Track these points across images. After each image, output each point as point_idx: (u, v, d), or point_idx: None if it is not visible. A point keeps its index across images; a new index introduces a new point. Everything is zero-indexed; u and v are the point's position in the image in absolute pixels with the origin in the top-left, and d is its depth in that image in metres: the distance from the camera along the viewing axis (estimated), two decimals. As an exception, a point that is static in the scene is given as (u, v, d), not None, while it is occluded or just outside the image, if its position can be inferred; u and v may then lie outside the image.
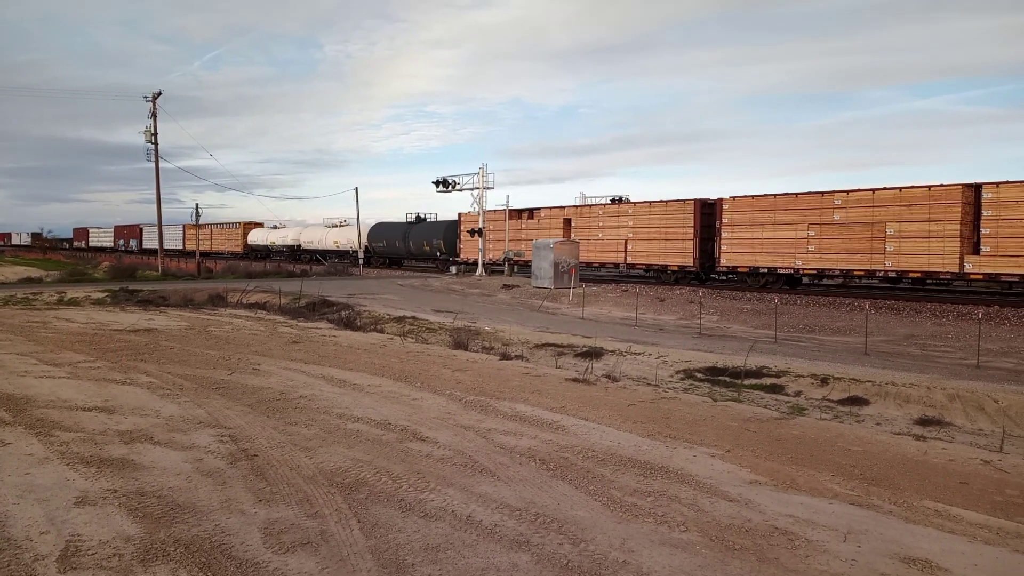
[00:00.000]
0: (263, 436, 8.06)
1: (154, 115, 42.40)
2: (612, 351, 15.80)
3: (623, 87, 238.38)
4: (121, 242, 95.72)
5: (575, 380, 11.83)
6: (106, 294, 26.80)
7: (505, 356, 14.55)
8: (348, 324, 19.74)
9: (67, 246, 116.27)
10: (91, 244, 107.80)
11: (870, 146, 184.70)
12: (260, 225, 73.29)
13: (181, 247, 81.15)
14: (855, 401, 11.54)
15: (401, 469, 6.93)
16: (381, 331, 18.96)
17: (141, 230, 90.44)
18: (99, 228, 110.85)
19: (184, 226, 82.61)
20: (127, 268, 43.83)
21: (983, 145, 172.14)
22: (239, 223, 74.63)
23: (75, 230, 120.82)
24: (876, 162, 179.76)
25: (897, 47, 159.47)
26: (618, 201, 42.37)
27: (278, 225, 69.57)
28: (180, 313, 21.86)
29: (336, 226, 62.57)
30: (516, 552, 5.09)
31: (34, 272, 46.08)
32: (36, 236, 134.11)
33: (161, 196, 44.02)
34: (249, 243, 71.29)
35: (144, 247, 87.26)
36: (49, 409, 9.17)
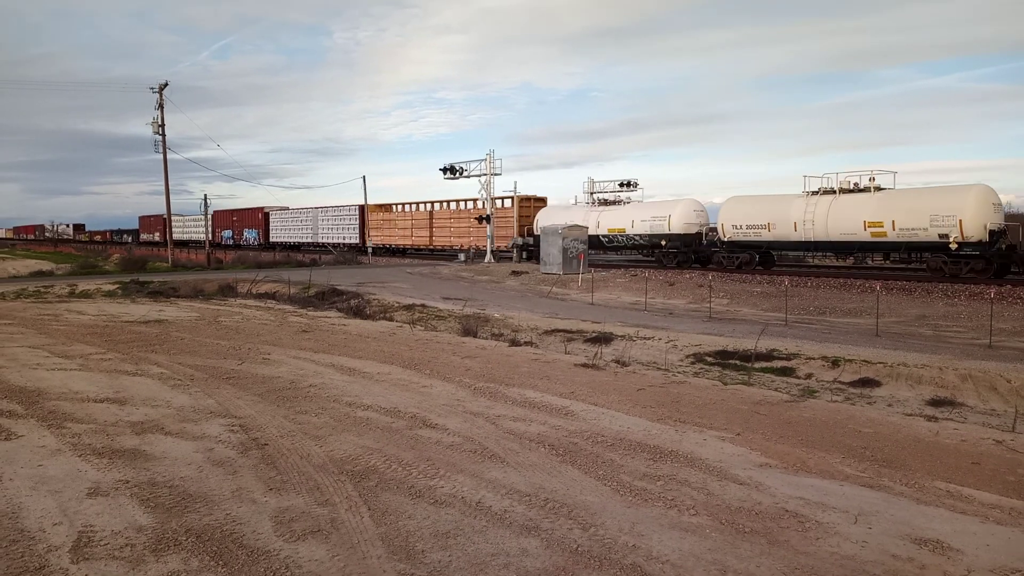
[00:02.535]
0: (273, 425, 8.09)
1: (161, 106, 42.48)
2: (621, 336, 15.77)
3: (634, 70, 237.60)
4: (228, 233, 70.76)
5: (584, 365, 11.81)
6: (117, 286, 26.92)
7: (514, 342, 14.54)
8: (357, 313, 19.78)
9: (128, 240, 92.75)
10: (175, 238, 73.28)
11: (881, 125, 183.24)
12: (542, 202, 44.10)
13: (357, 240, 54.99)
14: (866, 383, 11.49)
15: (411, 456, 6.94)
16: (390, 319, 18.99)
17: (267, 216, 66.20)
18: (183, 216, 76.58)
19: (362, 208, 54.87)
20: (137, 260, 44.13)
21: (998, 122, 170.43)
22: (513, 197, 43.89)
23: (143, 219, 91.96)
24: (887, 141, 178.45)
25: (907, 26, 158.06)
26: (626, 185, 40.91)
27: (615, 199, 39.58)
28: (190, 304, 21.95)
29: (854, 190, 27.64)
30: (526, 537, 5.09)
31: (45, 265, 46.26)
32: (79, 228, 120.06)
33: (170, 187, 44.18)
34: (539, 232, 37.87)
35: (272, 240, 63.77)
36: (61, 401, 9.23)
